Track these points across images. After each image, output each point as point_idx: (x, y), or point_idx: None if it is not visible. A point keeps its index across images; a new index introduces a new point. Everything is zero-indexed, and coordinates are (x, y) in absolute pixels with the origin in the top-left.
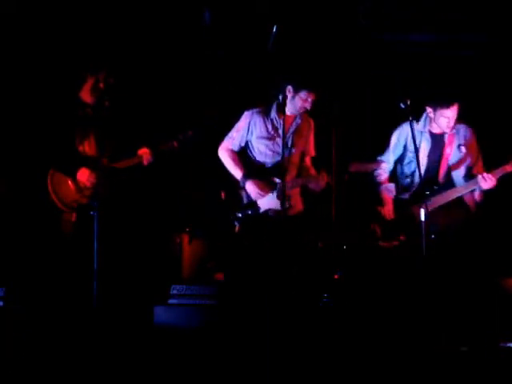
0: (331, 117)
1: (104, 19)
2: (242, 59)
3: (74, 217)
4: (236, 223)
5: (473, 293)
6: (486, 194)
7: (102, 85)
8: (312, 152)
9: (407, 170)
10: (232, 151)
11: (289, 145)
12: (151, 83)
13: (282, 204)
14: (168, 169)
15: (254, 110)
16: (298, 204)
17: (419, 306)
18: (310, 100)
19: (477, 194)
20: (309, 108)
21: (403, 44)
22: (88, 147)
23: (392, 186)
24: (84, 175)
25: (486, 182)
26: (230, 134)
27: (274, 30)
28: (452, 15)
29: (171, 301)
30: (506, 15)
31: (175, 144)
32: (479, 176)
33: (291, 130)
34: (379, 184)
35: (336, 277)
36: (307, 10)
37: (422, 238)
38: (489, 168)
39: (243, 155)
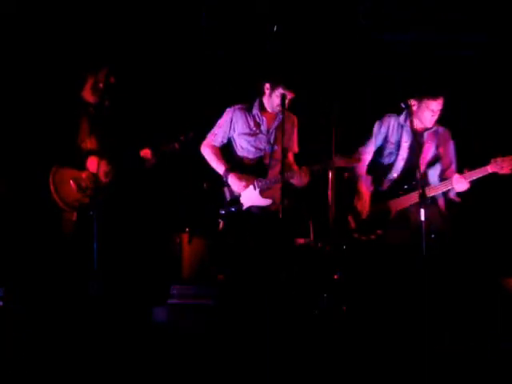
0: (331, 117)
1: (104, 19)
2: (242, 59)
3: (74, 216)
4: (220, 220)
5: (472, 292)
6: (486, 194)
7: (101, 85)
8: (295, 148)
9: (387, 160)
10: (214, 147)
11: (271, 141)
12: (151, 83)
13: (282, 200)
14: (168, 169)
15: (236, 107)
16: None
17: (418, 306)
18: (289, 98)
19: (452, 195)
20: (286, 106)
21: (403, 44)
22: (90, 146)
23: (369, 179)
24: (93, 164)
25: (459, 183)
26: (212, 131)
27: (274, 29)
28: (452, 15)
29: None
30: (506, 15)
31: (176, 145)
32: (454, 176)
33: (273, 126)
34: (357, 176)
35: (336, 277)
36: (307, 10)
37: (422, 238)
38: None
39: (226, 151)
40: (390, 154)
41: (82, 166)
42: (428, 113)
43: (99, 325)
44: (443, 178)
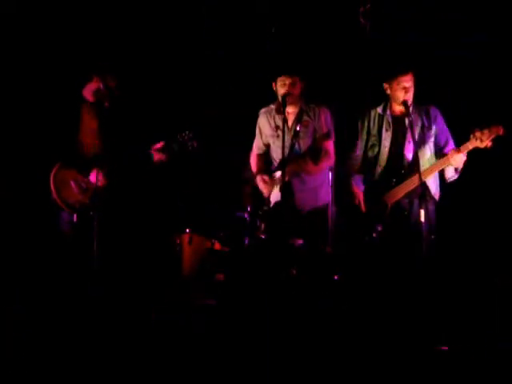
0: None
1: (106, 19)
2: (242, 59)
3: (75, 217)
4: (259, 221)
5: (470, 292)
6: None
7: (103, 88)
8: (330, 135)
9: (371, 153)
10: (256, 155)
11: (294, 137)
12: (151, 83)
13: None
14: (169, 169)
15: (262, 111)
16: (318, 198)
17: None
18: (287, 83)
19: (449, 176)
20: (291, 92)
21: (403, 44)
22: (91, 145)
23: (360, 178)
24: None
25: (454, 158)
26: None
27: (273, 30)
28: (452, 15)
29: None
30: (506, 15)
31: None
32: (449, 153)
33: (292, 122)
34: (349, 175)
35: (336, 277)
36: (307, 9)
37: (422, 238)
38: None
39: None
40: (373, 146)
41: (83, 166)
42: (401, 91)
43: (99, 325)
44: (442, 155)
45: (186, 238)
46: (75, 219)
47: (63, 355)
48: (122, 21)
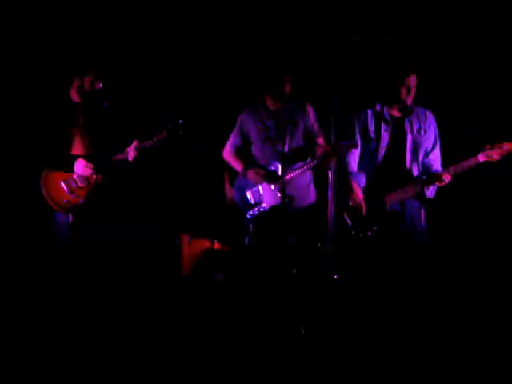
0: (331, 116)
1: (95, 16)
2: (243, 59)
3: (70, 218)
4: (249, 224)
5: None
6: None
7: (86, 88)
8: (321, 131)
9: (368, 151)
10: (231, 151)
11: (283, 135)
12: (147, 80)
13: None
14: (169, 168)
15: (244, 109)
16: (310, 195)
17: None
18: (290, 81)
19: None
20: (289, 92)
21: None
22: (79, 145)
23: (362, 175)
24: (80, 166)
25: (445, 180)
26: (229, 137)
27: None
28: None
29: None
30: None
31: (164, 134)
32: (442, 174)
33: (281, 120)
34: (349, 174)
35: (336, 277)
36: (307, 9)
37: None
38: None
39: (246, 154)
40: (370, 144)
41: (70, 167)
42: (403, 91)
43: (99, 327)
44: (426, 161)
45: (185, 237)
46: (70, 219)
47: (61, 358)
48: (113, 16)
